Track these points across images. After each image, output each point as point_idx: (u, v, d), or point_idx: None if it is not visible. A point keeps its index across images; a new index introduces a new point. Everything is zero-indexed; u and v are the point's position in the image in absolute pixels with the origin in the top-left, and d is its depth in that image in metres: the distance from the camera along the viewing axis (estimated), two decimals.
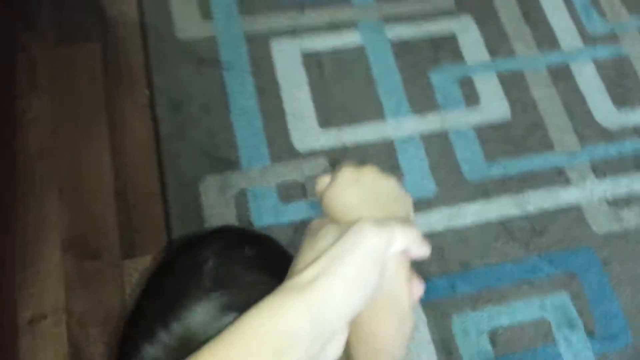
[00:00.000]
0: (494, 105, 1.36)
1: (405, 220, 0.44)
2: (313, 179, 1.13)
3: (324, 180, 0.46)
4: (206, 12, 1.42)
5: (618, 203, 1.29)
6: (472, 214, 1.20)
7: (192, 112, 1.30)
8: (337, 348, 0.35)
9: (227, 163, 1.24)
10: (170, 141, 1.26)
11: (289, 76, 1.38)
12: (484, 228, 1.19)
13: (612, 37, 1.50)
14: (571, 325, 1.16)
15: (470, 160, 1.29)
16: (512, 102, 1.37)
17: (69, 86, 1.29)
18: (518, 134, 1.34)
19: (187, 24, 1.40)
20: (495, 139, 1.33)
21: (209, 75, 1.35)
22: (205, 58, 1.36)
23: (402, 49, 1.42)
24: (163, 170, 1.23)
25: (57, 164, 1.20)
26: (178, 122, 1.28)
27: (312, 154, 1.27)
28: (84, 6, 1.41)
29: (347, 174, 0.45)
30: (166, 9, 1.41)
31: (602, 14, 1.54)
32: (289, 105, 1.33)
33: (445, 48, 1.43)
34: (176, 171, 1.23)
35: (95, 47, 1.35)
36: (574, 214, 1.24)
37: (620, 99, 1.41)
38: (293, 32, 1.43)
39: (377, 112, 1.34)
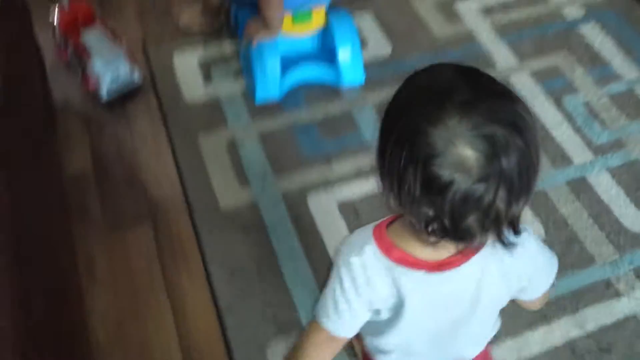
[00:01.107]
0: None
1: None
2: None
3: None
4: (243, 179, 1.53)
5: None
6: (537, 342, 1.24)
7: (246, 278, 1.35)
8: None
9: (289, 325, 1.28)
10: (231, 312, 1.30)
11: (330, 227, 1.46)
12: (553, 355, 1.22)
13: (618, 144, 1.61)
14: None
15: None
16: (544, 222, 1.44)
17: (128, 273, 1.36)
18: (557, 252, 1.37)
19: (228, 194, 1.50)
20: None
21: (256, 239, 1.42)
22: (249, 224, 1.45)
23: None
24: (228, 343, 1.26)
25: (127, 356, 1.24)
26: (235, 291, 1.33)
27: None
28: (130, 191, 1.51)
29: None
30: (206, 182, 1.51)
31: (603, 124, 1.66)
32: None
33: None
34: (242, 342, 1.26)
35: (146, 230, 1.43)
36: (632, 325, 1.28)
37: None
38: (325, 184, 1.53)
39: None
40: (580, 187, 1.52)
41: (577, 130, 1.64)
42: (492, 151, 0.55)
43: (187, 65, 1.77)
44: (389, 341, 0.79)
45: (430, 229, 0.59)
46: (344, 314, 0.72)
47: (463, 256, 0.67)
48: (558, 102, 1.70)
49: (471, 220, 0.57)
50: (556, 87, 1.74)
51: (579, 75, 1.77)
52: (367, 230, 0.72)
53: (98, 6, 1.94)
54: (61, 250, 1.27)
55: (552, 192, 1.50)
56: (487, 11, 1.96)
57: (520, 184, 0.57)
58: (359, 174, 1.54)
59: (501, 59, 1.81)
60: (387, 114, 0.63)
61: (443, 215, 0.57)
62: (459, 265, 0.67)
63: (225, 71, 1.76)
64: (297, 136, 1.61)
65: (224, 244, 1.41)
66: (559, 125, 1.64)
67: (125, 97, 1.69)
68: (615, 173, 1.55)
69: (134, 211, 1.47)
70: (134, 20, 1.92)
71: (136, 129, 1.64)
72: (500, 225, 0.59)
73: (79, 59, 1.66)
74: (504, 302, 0.77)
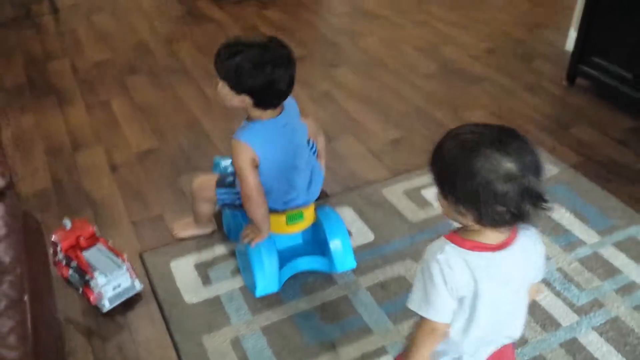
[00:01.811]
0: None
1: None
2: None
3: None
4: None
5: None
6: None
7: None
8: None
9: None
10: None
11: None
12: None
13: (598, 304, 1.73)
14: None
15: None
16: None
17: None
18: None
19: None
20: None
21: None
22: None
23: None
24: None
25: None
26: None
27: None
28: None
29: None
30: None
31: (579, 286, 1.79)
32: None
33: None
34: None
35: None
36: None
37: (634, 357, 1.57)
38: None
39: None
40: (574, 348, 1.60)
41: (558, 294, 1.76)
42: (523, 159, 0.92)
43: (184, 269, 1.86)
44: (457, 341, 1.04)
45: (499, 219, 0.93)
46: (436, 303, 0.99)
47: (513, 235, 1.00)
48: None
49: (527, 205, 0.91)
50: None
51: (547, 244, 1.94)
52: (441, 239, 1.01)
53: (94, 220, 2.07)
54: None
55: (550, 356, 1.57)
56: None
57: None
58: (365, 358, 1.58)
59: None
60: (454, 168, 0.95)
61: (511, 207, 0.91)
62: (511, 243, 0.99)
63: (222, 271, 1.85)
64: (299, 325, 1.67)
65: None
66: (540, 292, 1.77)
67: (127, 305, 1.73)
68: (601, 331, 1.64)
69: None
70: (129, 231, 2.04)
71: (139, 338, 1.66)
72: (540, 201, 0.92)
73: (82, 276, 1.73)
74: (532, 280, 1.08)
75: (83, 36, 3.57)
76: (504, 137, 0.94)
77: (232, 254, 1.91)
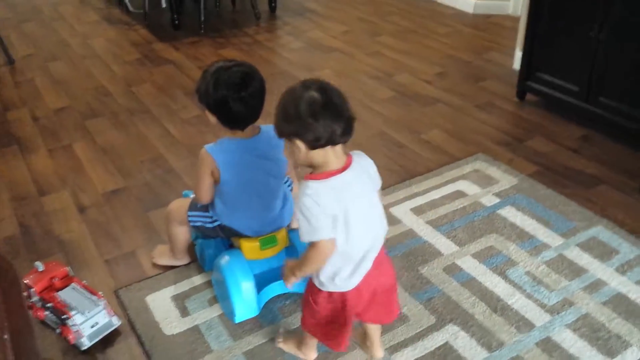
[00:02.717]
0: None
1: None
2: None
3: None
4: None
5: None
6: None
7: None
8: None
9: None
10: None
11: None
12: None
13: (568, 302, 1.80)
14: None
15: None
16: None
17: None
18: None
19: None
20: None
21: None
22: None
23: None
24: None
25: None
26: None
27: None
28: None
29: None
30: None
31: (548, 287, 1.86)
32: None
33: (449, 358, 1.62)
34: None
35: None
36: None
37: (606, 350, 1.63)
38: None
39: None
40: (549, 347, 1.65)
41: (529, 296, 1.82)
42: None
43: (161, 302, 1.85)
44: (347, 250, 1.33)
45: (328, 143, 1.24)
46: (318, 225, 1.27)
47: (349, 158, 1.32)
48: (504, 276, 1.91)
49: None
50: (497, 263, 1.96)
51: (514, 250, 2.01)
52: (303, 182, 1.30)
53: (66, 262, 2.05)
54: None
55: (527, 356, 1.62)
56: (418, 211, 2.25)
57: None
58: None
59: (443, 248, 2.04)
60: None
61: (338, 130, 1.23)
62: (350, 164, 1.31)
63: (199, 301, 1.85)
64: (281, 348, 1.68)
65: None
66: (511, 295, 1.83)
67: (106, 342, 1.71)
68: (574, 328, 1.71)
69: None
70: (102, 270, 2.03)
71: None
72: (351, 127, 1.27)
73: (59, 316, 1.70)
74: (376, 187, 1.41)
75: (40, 85, 3.56)
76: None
77: (208, 284, 1.91)
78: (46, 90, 3.49)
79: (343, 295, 1.40)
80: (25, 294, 1.79)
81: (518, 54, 3.39)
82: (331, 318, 1.45)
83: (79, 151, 2.81)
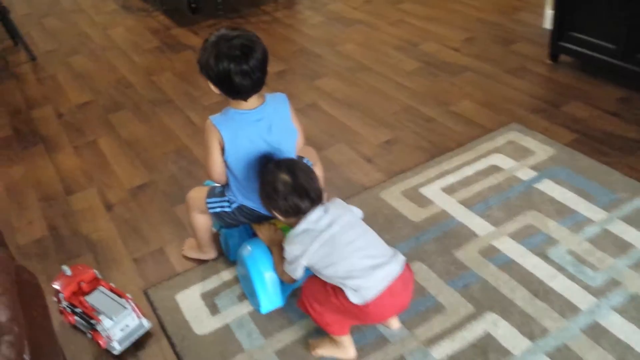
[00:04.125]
0: None
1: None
2: None
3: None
4: None
5: None
6: None
7: None
8: None
9: None
10: None
11: None
12: None
13: (614, 283, 1.69)
14: None
15: None
16: None
17: None
18: None
19: None
20: None
21: None
22: None
23: None
24: None
25: None
26: None
27: None
28: None
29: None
30: None
31: (593, 267, 1.75)
32: None
33: (490, 349, 1.54)
34: None
35: None
36: None
37: None
38: None
39: None
40: (596, 333, 1.56)
41: (572, 278, 1.72)
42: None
43: (191, 301, 1.82)
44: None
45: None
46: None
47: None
48: (544, 256, 1.81)
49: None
50: (537, 243, 1.86)
51: (554, 228, 1.91)
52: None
53: (95, 263, 2.04)
54: None
55: (573, 344, 1.53)
56: (450, 190, 2.15)
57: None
58: None
59: (479, 229, 1.95)
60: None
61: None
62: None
63: (228, 298, 1.82)
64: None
65: None
66: (553, 277, 1.73)
67: (138, 345, 1.70)
68: (622, 310, 1.61)
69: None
70: (131, 269, 2.01)
71: None
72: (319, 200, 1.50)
73: (88, 321, 1.69)
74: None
75: (63, 80, 3.55)
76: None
77: (237, 279, 1.88)
78: (69, 85, 3.48)
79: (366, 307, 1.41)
80: (55, 299, 1.79)
81: (549, 13, 3.20)
82: (343, 311, 1.45)
83: (104, 146, 2.80)
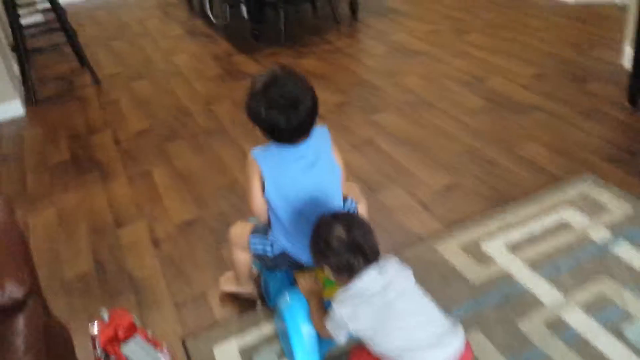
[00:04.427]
0: None
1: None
2: None
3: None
4: None
5: None
6: None
7: None
8: None
9: None
10: None
11: None
12: None
13: None
14: None
15: None
16: None
17: None
18: None
19: None
20: None
21: None
22: None
23: None
24: None
25: None
26: None
27: None
28: None
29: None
30: None
31: None
32: None
33: None
34: None
35: None
36: None
37: None
38: None
39: None
40: None
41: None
42: None
43: (229, 356, 1.73)
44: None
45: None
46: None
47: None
48: (619, 335, 1.61)
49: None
50: (612, 317, 1.66)
51: (630, 300, 1.71)
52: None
53: (136, 304, 1.99)
54: None
55: None
56: (514, 247, 1.98)
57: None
58: None
59: (546, 297, 1.76)
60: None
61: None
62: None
63: (267, 355, 1.71)
64: None
65: None
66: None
67: None
68: None
69: None
70: (171, 314, 1.94)
71: None
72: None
73: None
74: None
75: (124, 106, 3.59)
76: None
77: (277, 334, 1.77)
78: (130, 111, 3.52)
79: None
80: (91, 346, 1.73)
81: (628, 50, 2.98)
82: None
83: (157, 177, 2.78)
